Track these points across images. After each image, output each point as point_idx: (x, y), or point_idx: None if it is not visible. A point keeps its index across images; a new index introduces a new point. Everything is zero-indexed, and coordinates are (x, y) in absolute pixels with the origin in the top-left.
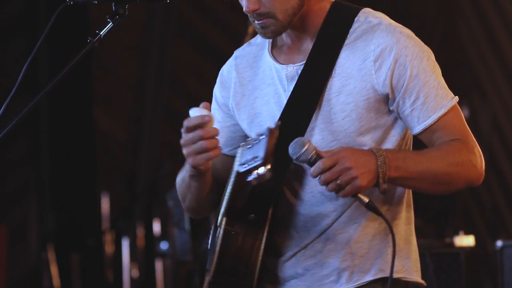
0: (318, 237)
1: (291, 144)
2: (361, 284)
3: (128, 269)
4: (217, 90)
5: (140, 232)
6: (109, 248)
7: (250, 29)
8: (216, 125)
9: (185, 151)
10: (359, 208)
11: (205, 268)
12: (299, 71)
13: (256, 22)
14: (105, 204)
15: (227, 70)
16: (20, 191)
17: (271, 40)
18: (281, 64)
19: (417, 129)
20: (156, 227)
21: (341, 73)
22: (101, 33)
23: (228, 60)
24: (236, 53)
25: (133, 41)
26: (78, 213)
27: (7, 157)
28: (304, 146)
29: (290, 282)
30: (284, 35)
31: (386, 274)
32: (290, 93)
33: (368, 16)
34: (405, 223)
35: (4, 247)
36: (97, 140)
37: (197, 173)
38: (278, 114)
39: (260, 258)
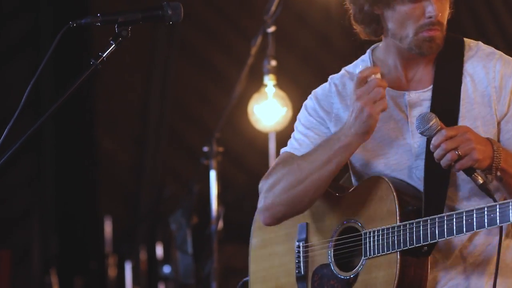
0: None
1: (417, 117)
2: None
3: None
4: (313, 111)
5: (143, 255)
6: (112, 272)
7: (253, 51)
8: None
9: (360, 102)
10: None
11: None
12: (423, 97)
13: (426, 33)
14: (107, 227)
15: (325, 95)
16: (23, 214)
17: (371, 64)
18: (396, 90)
19: None
20: (159, 250)
21: (465, 99)
22: (104, 55)
23: (323, 86)
24: (334, 79)
25: (136, 63)
26: (81, 237)
27: (10, 180)
28: (431, 121)
29: None
30: (392, 60)
31: None
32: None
33: (478, 44)
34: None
35: (7, 270)
36: (100, 163)
37: (362, 138)
38: (407, 138)
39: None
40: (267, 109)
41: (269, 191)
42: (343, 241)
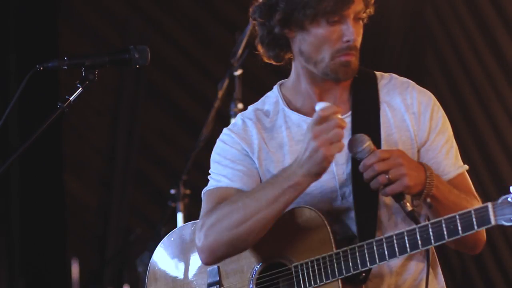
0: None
1: (349, 139)
2: None
3: None
4: (235, 144)
5: None
6: None
7: (220, 94)
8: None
9: (317, 142)
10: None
11: None
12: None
13: (343, 57)
14: (75, 269)
15: (242, 129)
16: None
17: (281, 98)
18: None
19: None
20: None
21: (384, 123)
22: (71, 98)
23: (234, 123)
24: (246, 115)
25: (103, 105)
26: (48, 279)
27: None
28: (365, 143)
29: None
30: (305, 89)
31: None
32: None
33: (390, 75)
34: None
35: None
36: (67, 205)
37: (313, 178)
38: (331, 166)
39: None
40: None
41: (211, 229)
42: (267, 278)
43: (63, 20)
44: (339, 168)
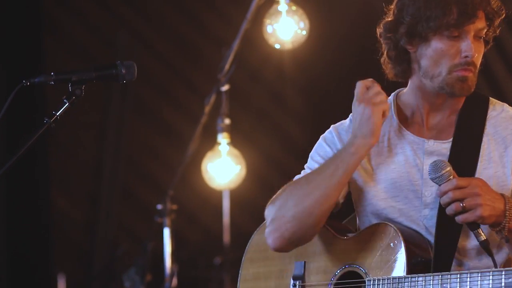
0: None
1: (431, 163)
2: None
3: None
4: (332, 143)
5: None
6: None
7: (207, 109)
8: None
9: (362, 103)
10: None
11: None
12: (441, 148)
13: (460, 72)
14: (61, 285)
15: (345, 130)
16: None
17: (394, 105)
18: (416, 135)
19: None
20: None
21: (483, 156)
22: (57, 114)
23: (343, 121)
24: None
25: (89, 121)
26: None
27: None
28: (444, 169)
29: None
30: (416, 105)
31: None
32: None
33: (503, 106)
34: None
35: None
36: (53, 220)
37: (366, 140)
38: (419, 185)
39: None
40: (221, 167)
41: (278, 211)
42: (344, 285)
43: (50, 35)
44: (427, 190)
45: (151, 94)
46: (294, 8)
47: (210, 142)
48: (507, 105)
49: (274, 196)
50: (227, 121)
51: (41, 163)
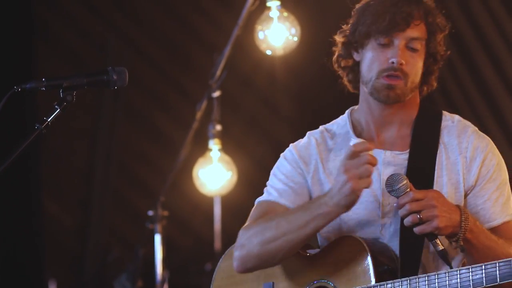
0: None
1: (388, 177)
2: None
3: None
4: (293, 162)
5: None
6: None
7: (198, 115)
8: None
9: (346, 175)
10: None
11: None
12: (398, 159)
13: (386, 80)
14: None
15: (305, 147)
16: None
17: (349, 122)
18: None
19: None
20: None
21: (438, 164)
22: (48, 120)
23: (301, 140)
24: (313, 134)
25: (81, 126)
26: None
27: None
28: (401, 182)
29: None
30: (364, 118)
31: None
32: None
33: (455, 116)
34: None
35: None
36: (45, 226)
37: (342, 209)
38: (378, 196)
39: None
40: (212, 173)
41: (246, 242)
42: None
43: (41, 41)
44: (385, 199)
45: (143, 100)
46: (285, 14)
47: (201, 148)
48: (459, 116)
49: (247, 222)
50: (218, 127)
51: (33, 169)
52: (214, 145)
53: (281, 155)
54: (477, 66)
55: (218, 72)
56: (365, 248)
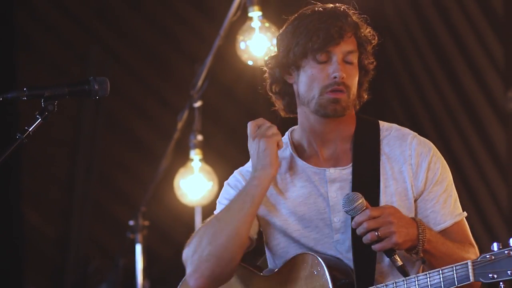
0: None
1: (344, 197)
2: None
3: None
4: (236, 188)
5: None
6: None
7: (179, 126)
8: None
9: (257, 139)
10: None
11: None
12: (342, 174)
13: (331, 95)
14: None
15: (249, 172)
16: None
17: (290, 143)
18: (315, 166)
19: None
20: None
21: (383, 175)
22: (30, 129)
23: (247, 164)
24: None
25: (62, 136)
26: None
27: None
28: (357, 201)
29: None
30: (307, 138)
31: None
32: (335, 194)
33: (392, 126)
34: None
35: None
36: (25, 235)
37: (267, 170)
38: (327, 213)
39: None
40: (193, 183)
41: (194, 253)
42: None
43: (22, 51)
44: (335, 216)
45: (124, 110)
46: (267, 25)
47: (182, 158)
48: (396, 125)
49: (188, 240)
50: (199, 137)
51: (13, 178)
52: (195, 155)
53: (225, 182)
54: (456, 74)
55: (200, 82)
56: (322, 263)
